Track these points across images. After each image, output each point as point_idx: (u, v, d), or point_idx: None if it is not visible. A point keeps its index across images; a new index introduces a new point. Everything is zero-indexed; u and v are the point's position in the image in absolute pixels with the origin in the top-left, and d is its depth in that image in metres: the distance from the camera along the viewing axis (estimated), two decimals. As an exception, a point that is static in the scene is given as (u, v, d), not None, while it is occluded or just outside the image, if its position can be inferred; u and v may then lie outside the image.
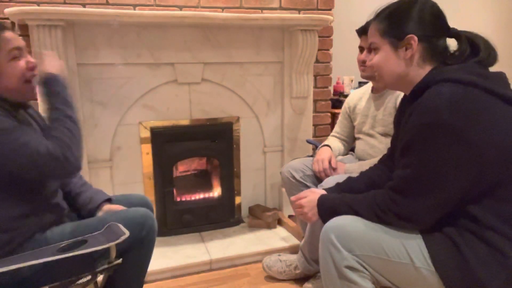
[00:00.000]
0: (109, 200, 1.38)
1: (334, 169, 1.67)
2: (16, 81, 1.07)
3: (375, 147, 1.68)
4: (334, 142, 1.89)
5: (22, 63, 1.08)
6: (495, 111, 0.92)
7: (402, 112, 1.15)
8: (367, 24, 1.60)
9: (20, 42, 1.08)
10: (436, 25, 1.02)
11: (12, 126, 1.02)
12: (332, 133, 1.97)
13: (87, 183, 1.42)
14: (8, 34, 1.06)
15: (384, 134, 1.65)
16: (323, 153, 1.73)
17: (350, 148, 1.95)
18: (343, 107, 1.92)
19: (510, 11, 3.44)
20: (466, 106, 0.90)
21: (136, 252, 1.23)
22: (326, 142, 1.85)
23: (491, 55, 1.00)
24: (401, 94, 1.54)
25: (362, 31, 1.64)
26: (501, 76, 1.00)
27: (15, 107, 1.11)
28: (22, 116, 1.16)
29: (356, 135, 1.83)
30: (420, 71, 1.04)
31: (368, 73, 1.63)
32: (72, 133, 1.09)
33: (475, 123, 0.89)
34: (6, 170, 1.02)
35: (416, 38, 1.01)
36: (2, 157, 1.01)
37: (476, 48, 1.00)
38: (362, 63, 1.64)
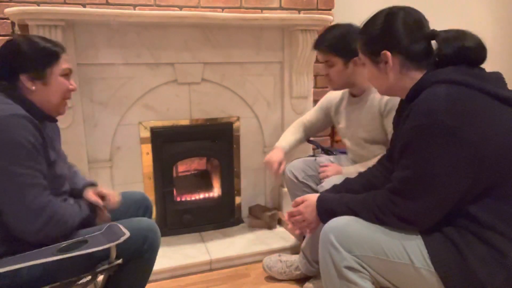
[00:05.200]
0: (93, 185, 1.35)
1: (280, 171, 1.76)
2: (59, 95, 1.19)
3: (364, 157, 1.66)
4: (291, 137, 1.89)
5: (68, 82, 1.21)
6: (490, 110, 0.93)
7: (400, 114, 1.15)
8: (317, 38, 1.61)
9: (71, 66, 1.23)
10: (408, 34, 1.02)
11: (32, 150, 1.05)
12: (303, 119, 1.95)
13: (78, 171, 1.41)
14: (66, 56, 1.21)
15: (371, 141, 1.62)
16: (274, 155, 1.78)
17: (306, 138, 1.96)
18: (324, 100, 1.87)
19: (510, 11, 3.44)
20: (462, 106, 0.91)
21: (135, 265, 1.21)
22: (283, 142, 1.87)
23: (478, 54, 0.98)
24: (385, 98, 1.52)
25: (314, 46, 1.64)
26: (497, 76, 1.00)
27: (45, 119, 1.18)
28: (48, 131, 1.19)
29: (343, 140, 1.80)
30: (406, 79, 1.04)
31: (334, 86, 1.65)
32: (68, 221, 1.13)
33: (471, 123, 0.90)
34: None
35: (388, 53, 1.03)
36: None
37: (461, 47, 0.98)
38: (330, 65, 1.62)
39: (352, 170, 1.62)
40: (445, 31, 1.02)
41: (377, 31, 1.06)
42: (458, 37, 0.99)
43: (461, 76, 0.95)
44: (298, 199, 1.25)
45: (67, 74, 1.21)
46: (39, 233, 1.05)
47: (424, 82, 0.99)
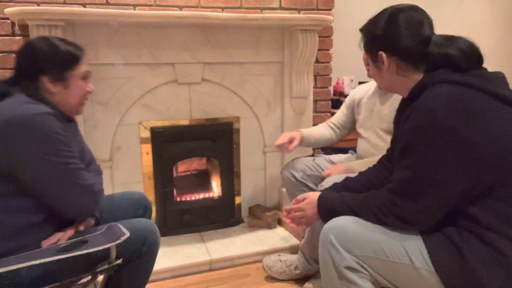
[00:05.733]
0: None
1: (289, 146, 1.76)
2: (77, 97, 1.23)
3: (377, 145, 1.68)
4: (316, 129, 1.90)
5: (86, 85, 1.25)
6: (492, 111, 0.93)
7: (401, 113, 1.15)
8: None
9: (88, 68, 1.27)
10: (406, 37, 1.02)
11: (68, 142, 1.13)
12: (328, 120, 1.97)
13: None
14: (85, 58, 1.25)
15: (388, 132, 1.64)
16: (289, 132, 1.82)
17: (338, 138, 1.95)
18: (348, 98, 1.91)
19: (510, 11, 3.44)
20: (463, 106, 0.91)
21: (135, 265, 1.21)
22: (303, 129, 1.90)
23: (462, 62, 0.98)
24: None
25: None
26: (499, 75, 1.00)
27: (64, 119, 1.19)
28: (69, 129, 1.21)
29: (358, 130, 1.81)
30: (405, 80, 1.05)
31: None
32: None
33: (473, 124, 0.89)
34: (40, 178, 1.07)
35: (384, 54, 1.04)
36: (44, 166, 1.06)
37: (444, 53, 0.99)
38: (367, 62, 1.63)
39: (359, 166, 1.63)
40: (438, 36, 1.02)
41: (376, 32, 1.06)
42: (444, 43, 1.00)
43: (463, 76, 0.95)
44: (299, 196, 1.26)
45: (86, 77, 1.24)
46: (95, 205, 1.17)
47: (426, 82, 0.99)
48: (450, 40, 1.00)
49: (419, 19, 1.03)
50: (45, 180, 1.07)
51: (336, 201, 1.13)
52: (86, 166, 1.33)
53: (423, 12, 1.05)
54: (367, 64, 1.59)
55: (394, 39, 1.03)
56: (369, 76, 1.17)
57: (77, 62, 1.20)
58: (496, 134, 0.91)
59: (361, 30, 1.13)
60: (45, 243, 1.10)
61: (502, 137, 0.92)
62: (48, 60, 1.16)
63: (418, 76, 1.03)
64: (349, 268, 1.01)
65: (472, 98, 0.92)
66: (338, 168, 1.69)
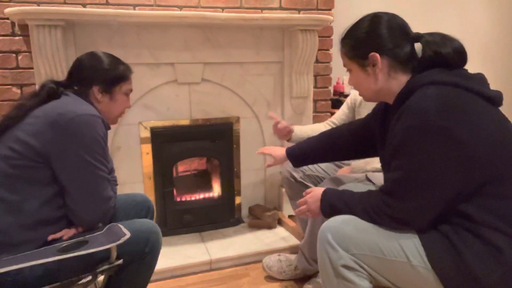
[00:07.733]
0: None
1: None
2: (118, 110, 1.37)
3: None
4: (310, 125, 1.90)
5: (128, 101, 1.40)
6: (481, 110, 0.94)
7: (385, 119, 1.14)
8: None
9: (132, 87, 1.41)
10: (394, 37, 1.03)
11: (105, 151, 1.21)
12: (328, 120, 1.98)
13: None
14: (131, 77, 1.39)
15: None
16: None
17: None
18: (349, 98, 1.91)
19: (510, 10, 3.44)
20: (453, 106, 0.92)
21: (136, 267, 1.22)
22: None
23: (455, 60, 1.01)
24: None
25: None
26: (481, 76, 1.02)
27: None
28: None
29: None
30: (394, 82, 1.06)
31: None
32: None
33: (463, 123, 0.91)
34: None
35: (377, 55, 1.04)
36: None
37: (439, 52, 1.01)
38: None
39: (362, 164, 1.63)
40: (429, 34, 1.04)
41: (363, 34, 1.07)
42: (438, 42, 1.01)
43: (450, 77, 0.97)
44: (308, 190, 1.27)
45: (128, 94, 1.38)
46: (103, 218, 1.18)
47: (413, 85, 1.00)
48: (444, 38, 1.02)
49: (402, 21, 1.06)
50: (71, 174, 1.12)
51: (336, 198, 1.14)
52: None
53: (402, 18, 1.08)
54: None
55: (385, 38, 1.03)
56: (351, 84, 1.17)
57: (125, 80, 1.35)
58: (486, 133, 0.92)
59: (343, 38, 1.13)
60: (51, 237, 1.13)
61: (492, 135, 0.93)
62: (104, 74, 1.29)
63: (405, 78, 1.04)
64: (346, 267, 1.01)
65: (461, 98, 0.94)
66: (344, 172, 1.70)
